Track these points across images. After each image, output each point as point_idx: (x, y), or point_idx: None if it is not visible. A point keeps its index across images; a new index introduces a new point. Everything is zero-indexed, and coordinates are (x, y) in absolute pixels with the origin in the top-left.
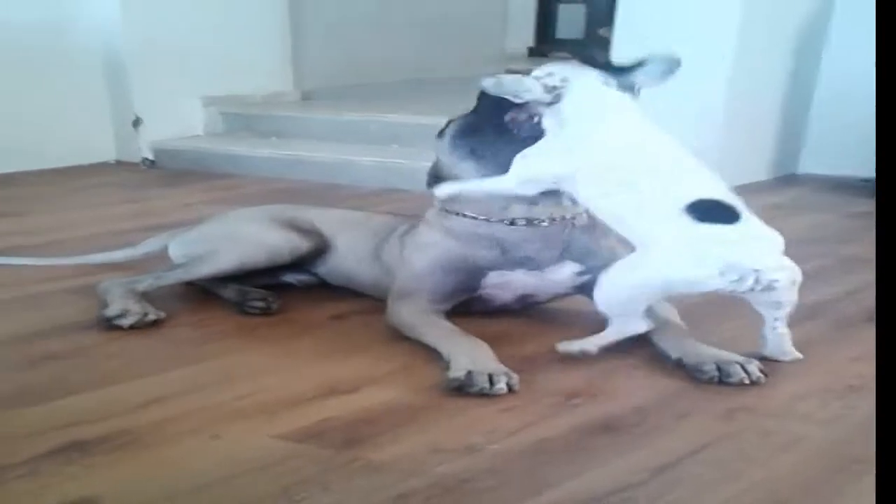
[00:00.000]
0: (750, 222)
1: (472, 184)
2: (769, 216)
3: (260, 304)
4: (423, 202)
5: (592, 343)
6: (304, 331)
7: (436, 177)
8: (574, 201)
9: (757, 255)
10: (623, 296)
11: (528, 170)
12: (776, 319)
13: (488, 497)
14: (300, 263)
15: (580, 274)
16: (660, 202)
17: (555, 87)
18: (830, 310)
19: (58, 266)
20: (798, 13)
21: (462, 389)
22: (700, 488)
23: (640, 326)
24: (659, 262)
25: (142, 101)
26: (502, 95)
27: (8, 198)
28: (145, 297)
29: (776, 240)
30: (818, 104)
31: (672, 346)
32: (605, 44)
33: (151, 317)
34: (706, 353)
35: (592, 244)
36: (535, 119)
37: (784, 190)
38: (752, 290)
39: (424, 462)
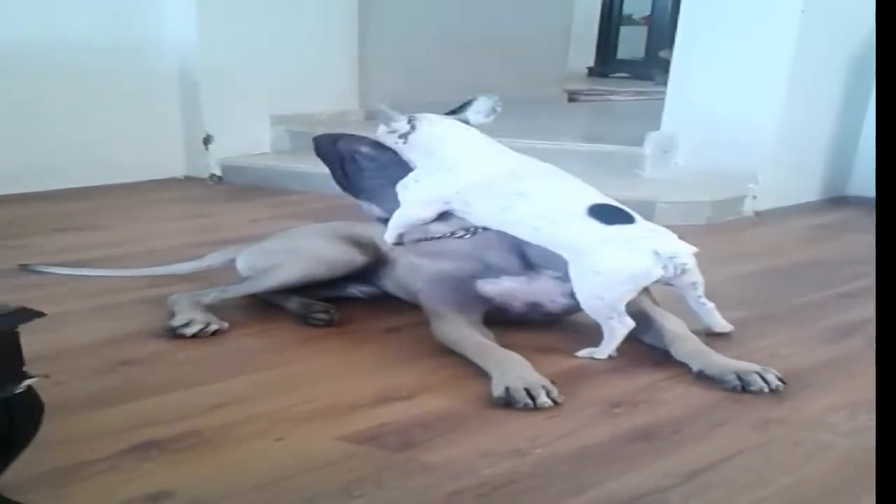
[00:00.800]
0: (642, 221)
1: (392, 221)
2: (816, 236)
3: (323, 315)
4: None
5: (600, 351)
6: (362, 342)
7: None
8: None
9: (666, 244)
10: (593, 305)
11: (414, 196)
12: (699, 297)
13: (532, 496)
14: (359, 276)
15: (563, 280)
16: (561, 209)
17: (400, 130)
18: (867, 328)
19: (129, 277)
20: (854, 37)
21: (508, 405)
22: (730, 492)
23: (624, 326)
24: (596, 263)
25: (212, 119)
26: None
27: (82, 211)
28: (211, 308)
29: (667, 231)
30: (869, 127)
31: (692, 359)
32: (665, 65)
33: (214, 327)
34: (725, 364)
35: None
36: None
37: (833, 211)
38: (674, 276)
39: (474, 464)
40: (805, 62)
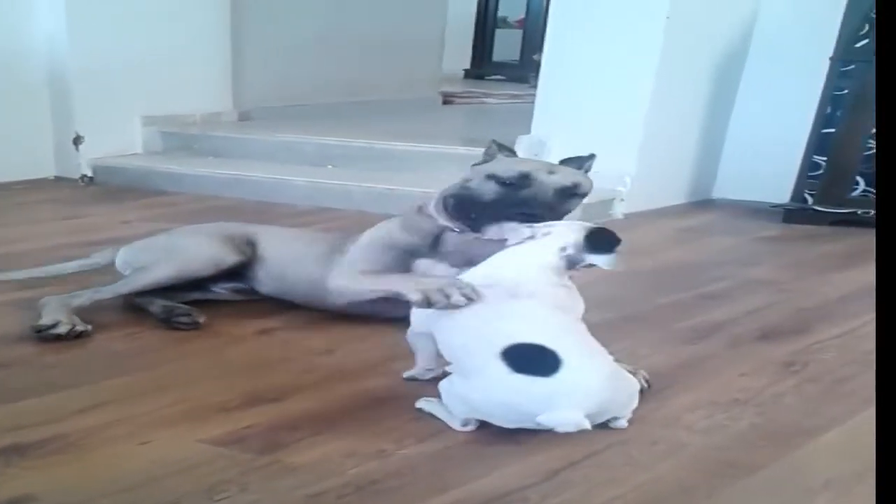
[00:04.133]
0: (570, 372)
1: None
2: (682, 239)
3: (185, 319)
4: (352, 221)
5: (430, 403)
6: (233, 343)
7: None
8: None
9: (560, 414)
10: (448, 399)
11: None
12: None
13: (395, 495)
14: (233, 274)
15: None
16: (482, 340)
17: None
18: (728, 328)
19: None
20: (717, 44)
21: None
22: (587, 489)
23: (454, 423)
24: (476, 396)
25: (83, 119)
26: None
27: None
28: (81, 310)
29: (593, 388)
30: (732, 132)
31: None
32: (538, 67)
33: (78, 328)
34: None
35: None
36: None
37: (698, 214)
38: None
39: (339, 465)
40: (669, 68)
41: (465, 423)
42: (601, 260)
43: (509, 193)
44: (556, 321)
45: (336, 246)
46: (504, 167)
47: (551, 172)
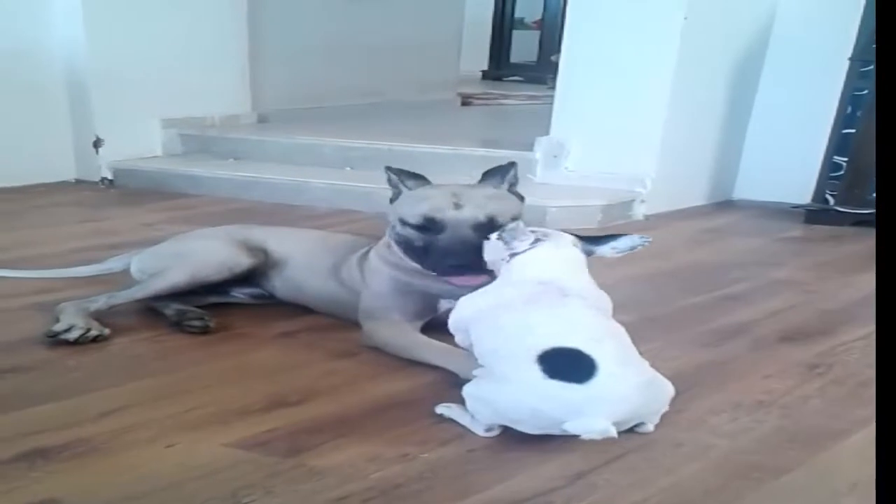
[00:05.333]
0: (604, 379)
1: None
2: (704, 240)
3: (197, 322)
4: (373, 223)
5: (450, 409)
6: (255, 347)
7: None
8: None
9: (588, 421)
10: (474, 404)
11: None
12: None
13: (418, 500)
14: (247, 278)
15: None
16: (520, 343)
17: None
18: (751, 330)
19: (24, 280)
20: (736, 45)
21: None
22: (612, 493)
23: (478, 429)
24: (505, 400)
25: (102, 122)
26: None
27: None
28: (98, 314)
29: (625, 397)
30: (752, 133)
31: None
32: (555, 69)
33: (94, 332)
34: None
35: None
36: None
37: (719, 215)
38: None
39: (362, 469)
40: (688, 68)
41: (489, 429)
42: (607, 249)
43: (429, 240)
44: (598, 324)
45: (342, 256)
46: (408, 208)
47: (457, 206)
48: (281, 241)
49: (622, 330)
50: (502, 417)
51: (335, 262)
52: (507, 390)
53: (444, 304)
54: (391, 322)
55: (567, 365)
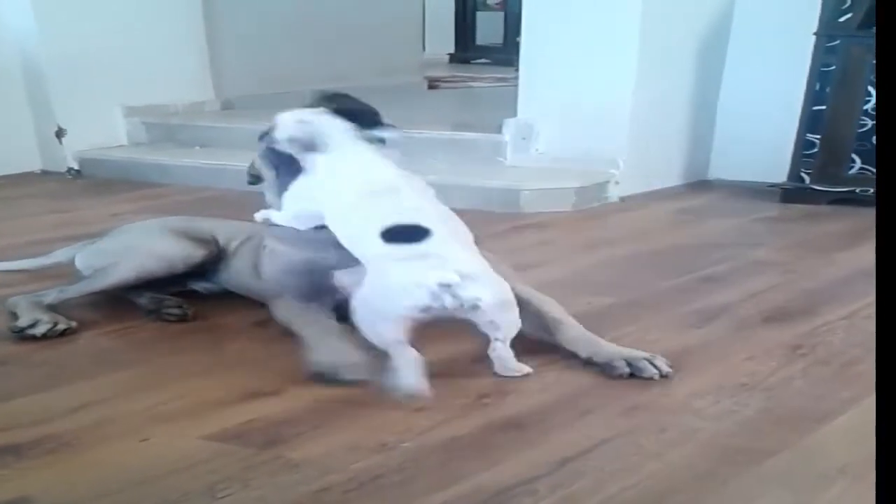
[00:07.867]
0: (438, 242)
1: (274, 217)
2: (680, 221)
3: (176, 310)
4: None
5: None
6: (227, 337)
7: (253, 175)
8: None
9: (444, 272)
10: (368, 328)
11: (291, 207)
12: (496, 339)
13: (400, 490)
14: (198, 272)
15: None
16: (365, 231)
17: (299, 139)
18: (732, 311)
19: None
20: (699, 16)
21: (321, 379)
22: (598, 480)
23: (404, 357)
24: (368, 286)
25: (63, 111)
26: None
27: None
28: (53, 308)
29: (459, 260)
30: (723, 112)
31: (580, 347)
32: None
33: (62, 326)
34: (614, 351)
35: None
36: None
37: (695, 195)
38: (460, 307)
39: (342, 459)
40: (652, 42)
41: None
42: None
43: None
44: (433, 208)
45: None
46: None
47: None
48: (227, 233)
49: (456, 217)
50: (375, 312)
51: (257, 252)
52: (367, 278)
53: (338, 277)
54: (288, 302)
55: (405, 233)
